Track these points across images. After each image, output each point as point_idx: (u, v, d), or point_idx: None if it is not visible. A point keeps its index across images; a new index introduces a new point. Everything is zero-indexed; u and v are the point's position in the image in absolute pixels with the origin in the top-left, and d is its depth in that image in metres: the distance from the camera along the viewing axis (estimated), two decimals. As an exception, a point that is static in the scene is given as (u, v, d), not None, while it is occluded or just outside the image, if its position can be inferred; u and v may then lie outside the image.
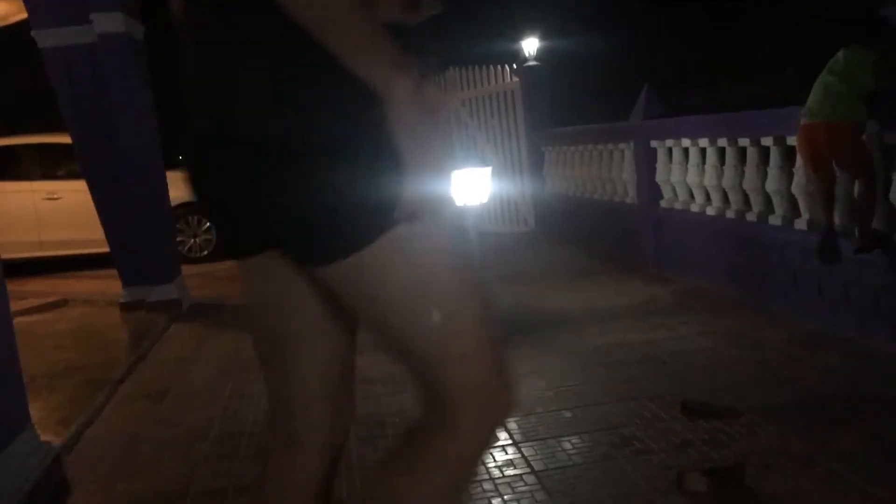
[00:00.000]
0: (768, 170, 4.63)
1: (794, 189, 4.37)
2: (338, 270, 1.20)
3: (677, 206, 5.80)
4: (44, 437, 3.06)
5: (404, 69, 1.10)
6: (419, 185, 1.13)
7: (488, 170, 4.74)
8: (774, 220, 4.62)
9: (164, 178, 6.14)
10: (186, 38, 1.27)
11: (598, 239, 7.22)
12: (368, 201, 1.15)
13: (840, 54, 3.79)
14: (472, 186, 4.63)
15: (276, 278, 1.36)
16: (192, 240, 8.98)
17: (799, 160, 4.24)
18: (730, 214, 5.11)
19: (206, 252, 8.98)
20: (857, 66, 3.67)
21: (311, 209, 1.16)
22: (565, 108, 9.70)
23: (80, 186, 6.31)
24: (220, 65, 1.19)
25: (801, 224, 4.36)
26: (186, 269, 6.79)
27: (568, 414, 3.19)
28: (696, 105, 10.71)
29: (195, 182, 1.32)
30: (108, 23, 5.55)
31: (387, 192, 1.14)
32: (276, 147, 1.15)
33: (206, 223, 8.94)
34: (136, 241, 5.87)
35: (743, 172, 4.92)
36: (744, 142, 4.87)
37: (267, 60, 1.16)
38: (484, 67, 9.68)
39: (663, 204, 6.01)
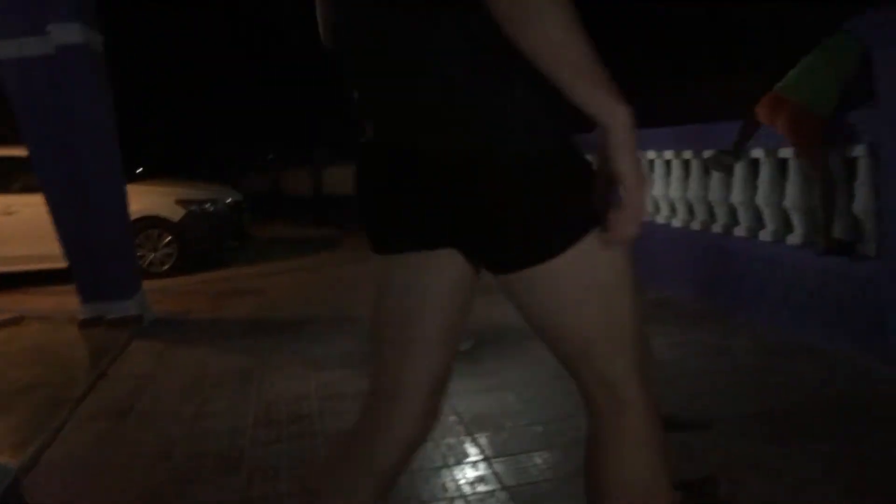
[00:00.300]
0: (732, 181, 4.67)
1: (759, 200, 4.41)
2: (527, 275, 1.35)
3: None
4: (0, 459, 2.96)
5: (621, 95, 1.20)
6: (634, 205, 1.24)
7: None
8: (740, 231, 4.66)
9: (125, 191, 6.02)
10: (365, 50, 1.39)
11: (565, 250, 7.22)
12: (562, 213, 1.32)
13: (839, 36, 3.80)
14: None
15: (427, 276, 1.50)
16: (153, 254, 8.82)
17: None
18: (695, 226, 5.14)
19: (166, 266, 8.83)
20: (848, 52, 3.70)
21: (511, 218, 1.31)
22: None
23: (37, 200, 6.15)
24: (424, 81, 1.31)
25: (765, 235, 4.41)
26: (147, 284, 6.65)
27: (539, 428, 3.16)
28: (668, 111, 10.79)
29: (366, 181, 1.50)
30: (66, 34, 5.44)
31: (578, 204, 1.32)
32: (479, 160, 1.29)
33: (167, 237, 8.80)
34: (96, 256, 5.74)
35: (707, 185, 4.96)
36: (708, 153, 4.91)
37: (472, 76, 1.28)
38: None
39: (629, 215, 6.03)
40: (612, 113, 1.19)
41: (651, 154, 5.58)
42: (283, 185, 18.51)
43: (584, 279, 1.35)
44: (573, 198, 1.30)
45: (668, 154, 5.37)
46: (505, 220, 1.31)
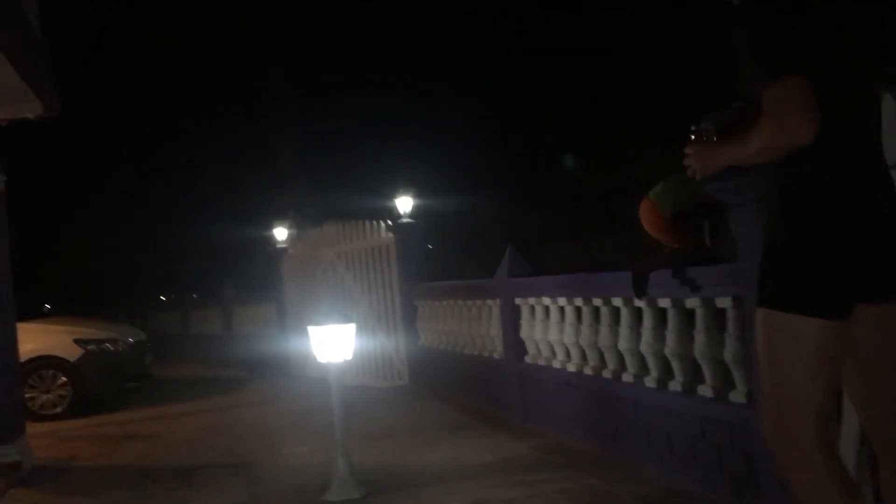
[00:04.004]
0: (619, 329, 4.85)
1: (643, 348, 4.58)
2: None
3: (541, 361, 5.95)
4: None
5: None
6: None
7: (352, 326, 4.76)
8: (627, 377, 4.80)
9: (13, 329, 5.85)
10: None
11: (469, 393, 7.27)
12: None
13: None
14: (336, 343, 4.63)
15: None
16: (45, 395, 8.45)
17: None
18: (588, 371, 5.27)
19: (59, 409, 8.46)
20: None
21: None
22: (438, 264, 9.98)
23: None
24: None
25: (650, 382, 4.55)
26: (35, 428, 6.38)
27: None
28: (564, 261, 11.20)
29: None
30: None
31: None
32: None
33: (61, 378, 8.47)
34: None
35: (598, 331, 5.14)
36: (597, 301, 5.11)
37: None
38: (360, 222, 9.90)
39: (528, 360, 6.15)
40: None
41: (546, 300, 5.77)
42: (193, 324, 18.19)
43: None
44: None
45: (562, 301, 5.56)
46: None
